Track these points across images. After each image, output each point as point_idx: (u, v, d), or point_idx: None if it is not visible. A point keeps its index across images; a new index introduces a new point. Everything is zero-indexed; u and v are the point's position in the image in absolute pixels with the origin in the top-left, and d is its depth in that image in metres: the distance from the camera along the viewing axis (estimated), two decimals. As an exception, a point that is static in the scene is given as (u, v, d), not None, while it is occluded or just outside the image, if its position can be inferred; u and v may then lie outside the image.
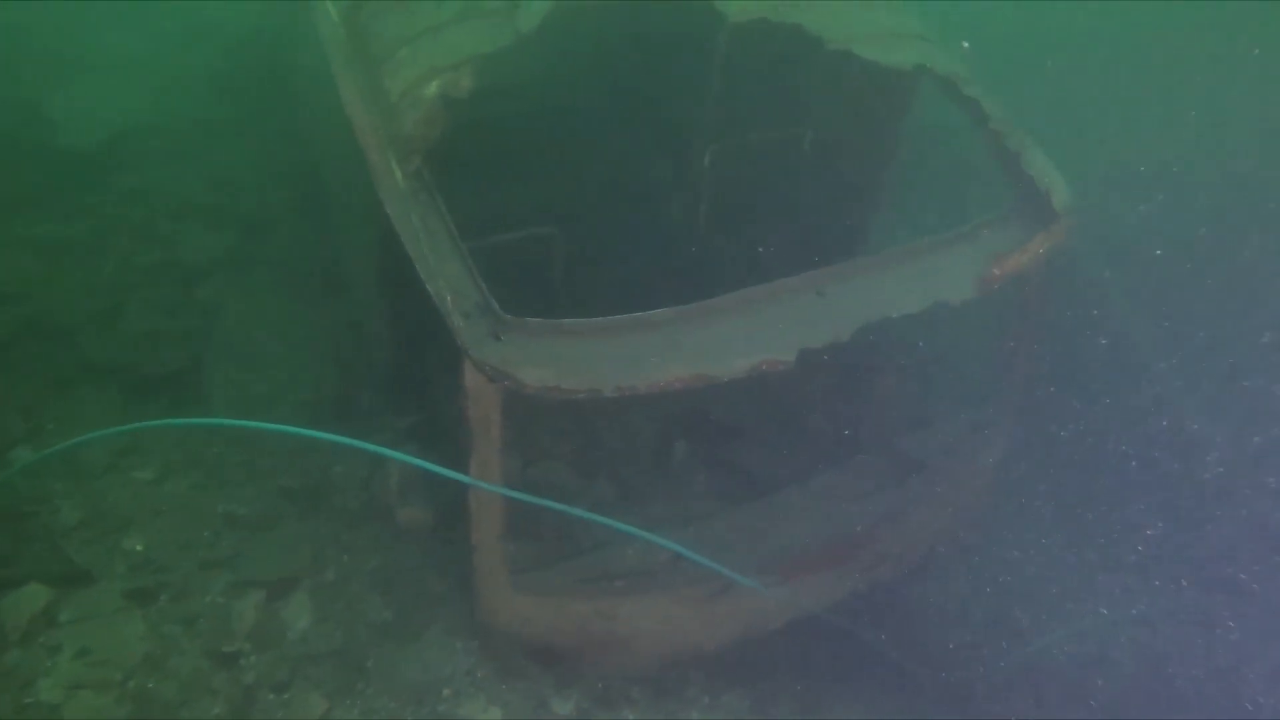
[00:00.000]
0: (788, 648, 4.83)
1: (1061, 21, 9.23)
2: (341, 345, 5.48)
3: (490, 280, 3.52)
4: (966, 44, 4.32)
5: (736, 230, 5.53)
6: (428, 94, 3.73)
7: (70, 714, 3.47)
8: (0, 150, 6.41)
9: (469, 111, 4.34)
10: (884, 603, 4.91)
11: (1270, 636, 5.21)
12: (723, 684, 4.49)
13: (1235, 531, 5.53)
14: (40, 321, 5.30)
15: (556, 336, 3.31)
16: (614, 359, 3.29)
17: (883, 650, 4.77)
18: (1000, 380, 4.68)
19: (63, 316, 5.40)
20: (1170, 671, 5.22)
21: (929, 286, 3.70)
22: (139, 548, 4.12)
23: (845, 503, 4.39)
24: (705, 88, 5.14)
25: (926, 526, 4.65)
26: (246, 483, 4.56)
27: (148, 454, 4.60)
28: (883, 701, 4.59)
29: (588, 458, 4.88)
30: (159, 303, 5.73)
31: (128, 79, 7.31)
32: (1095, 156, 7.49)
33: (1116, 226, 6.96)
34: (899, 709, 4.61)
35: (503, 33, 3.85)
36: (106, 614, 3.76)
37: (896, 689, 4.88)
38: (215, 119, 7.21)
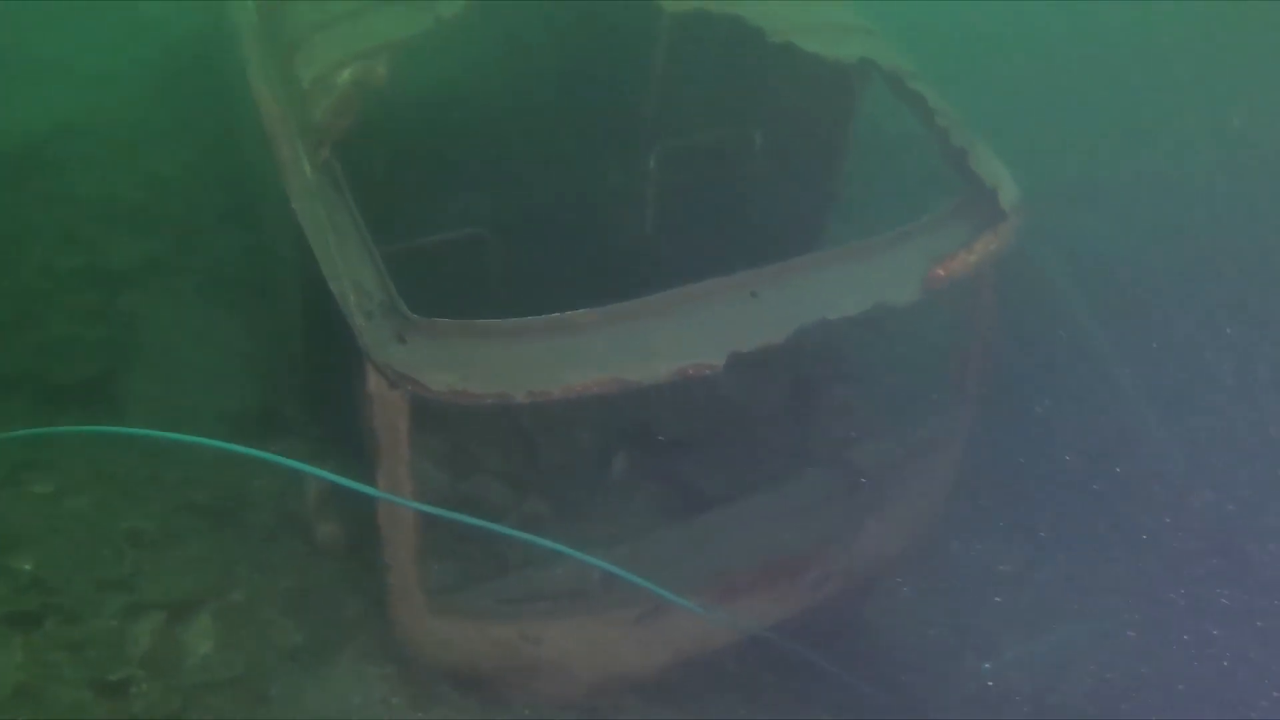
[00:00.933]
0: (732, 669, 4.61)
1: (1028, 25, 9.13)
2: (269, 355, 5.21)
3: (420, 284, 3.31)
4: None
5: (685, 234, 5.33)
6: (340, 81, 3.52)
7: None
8: (-86, 152, 6.12)
9: (399, 108, 4.13)
10: (835, 621, 4.70)
11: (1235, 659, 5.08)
12: (661, 708, 4.25)
13: (1199, 549, 5.39)
14: (-55, 329, 5.00)
15: (466, 338, 3.09)
16: (527, 362, 3.07)
17: (834, 671, 4.56)
18: (952, 390, 4.50)
19: (-30, 324, 5.12)
20: (1133, 688, 5.08)
21: (869, 287, 3.51)
22: (27, 567, 3.81)
23: (790, 518, 4.17)
24: (648, 85, 4.95)
25: (877, 542, 4.44)
26: (155, 498, 4.27)
27: (49, 468, 4.29)
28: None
29: (522, 471, 4.64)
30: (76, 310, 5.43)
31: (57, 79, 7.00)
32: (1056, 161, 7.37)
33: (1076, 231, 6.83)
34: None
35: (423, 19, 3.64)
36: (-20, 642, 3.47)
37: (850, 710, 4.67)
38: (150, 120, 6.91)
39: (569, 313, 3.19)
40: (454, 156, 5.06)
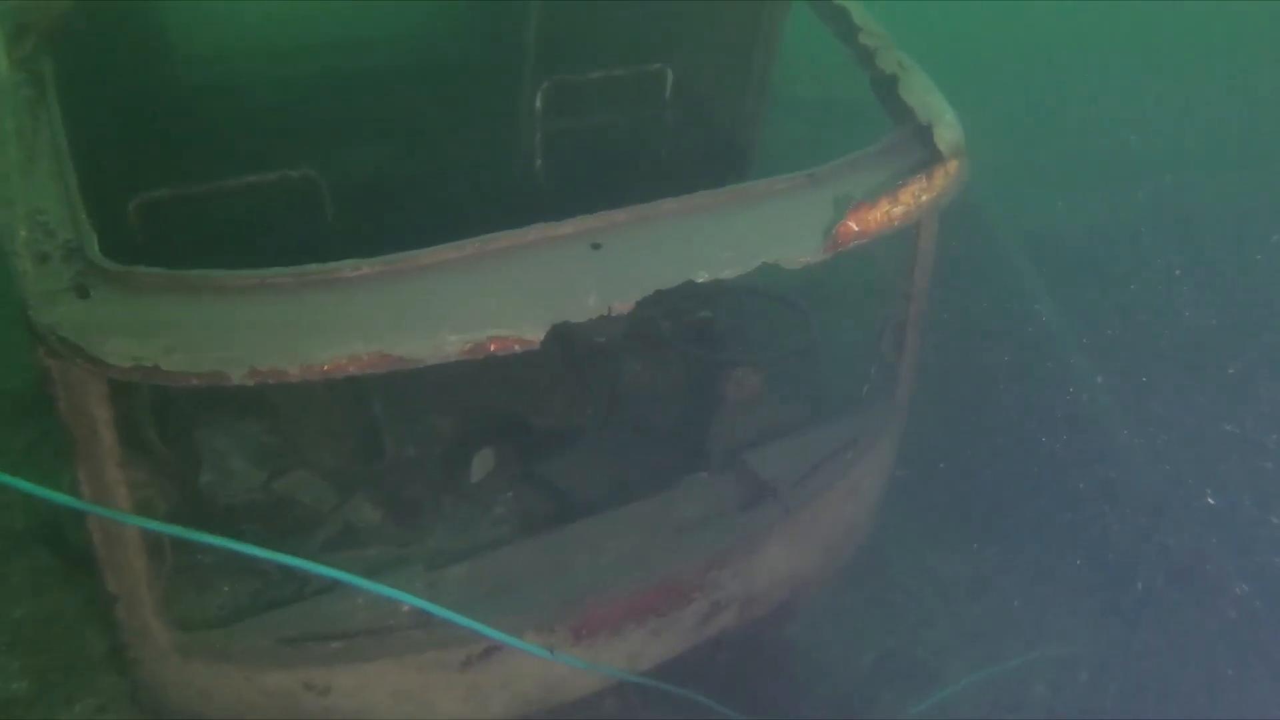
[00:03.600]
0: (612, 712, 3.82)
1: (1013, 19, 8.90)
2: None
3: (216, 236, 2.49)
4: None
5: (579, 186, 4.47)
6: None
7: None
8: None
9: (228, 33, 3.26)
10: (736, 661, 3.91)
11: (1195, 674, 4.37)
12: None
13: (1163, 561, 4.67)
14: None
15: (176, 294, 2.24)
16: (261, 329, 2.22)
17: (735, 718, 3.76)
18: (882, 378, 3.69)
19: None
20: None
21: (756, 241, 2.68)
22: None
23: (670, 535, 3.35)
24: (528, 12, 4.10)
25: (786, 564, 3.63)
26: None
27: None
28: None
29: (357, 468, 3.79)
30: None
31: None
32: (1025, 148, 6.87)
33: (1043, 220, 6.23)
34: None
35: None
36: None
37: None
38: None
39: (331, 264, 2.35)
40: (290, 91, 4.21)
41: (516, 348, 2.33)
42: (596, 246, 2.55)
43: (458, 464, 3.91)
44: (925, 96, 3.05)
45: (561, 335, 4.29)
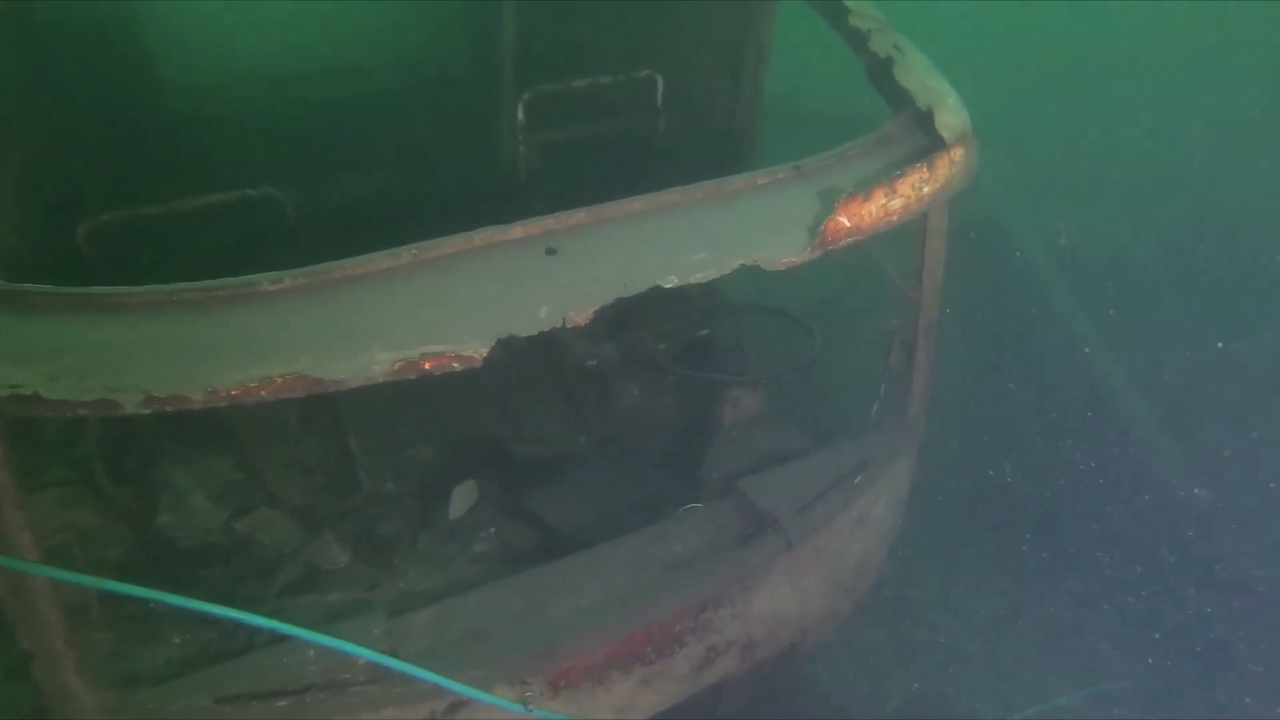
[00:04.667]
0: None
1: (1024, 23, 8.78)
2: None
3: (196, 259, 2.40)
4: None
5: (567, 200, 4.23)
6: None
7: None
8: None
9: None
10: (746, 706, 3.58)
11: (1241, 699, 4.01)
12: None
13: (1200, 584, 4.29)
14: None
15: (74, 314, 1.99)
16: (162, 350, 1.97)
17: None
18: (893, 397, 3.37)
19: None
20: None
21: (733, 242, 2.39)
22: None
23: (659, 574, 3.04)
24: (500, 16, 3.89)
25: (791, 602, 3.29)
26: None
27: None
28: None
29: (327, 503, 3.53)
30: None
31: None
32: (1044, 158, 6.62)
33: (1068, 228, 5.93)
34: None
35: None
36: None
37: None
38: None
39: (246, 278, 2.09)
40: (277, 118, 4.03)
41: (455, 366, 2.05)
42: (551, 251, 2.28)
43: (437, 497, 3.64)
44: (925, 79, 2.76)
45: (551, 358, 4.08)
